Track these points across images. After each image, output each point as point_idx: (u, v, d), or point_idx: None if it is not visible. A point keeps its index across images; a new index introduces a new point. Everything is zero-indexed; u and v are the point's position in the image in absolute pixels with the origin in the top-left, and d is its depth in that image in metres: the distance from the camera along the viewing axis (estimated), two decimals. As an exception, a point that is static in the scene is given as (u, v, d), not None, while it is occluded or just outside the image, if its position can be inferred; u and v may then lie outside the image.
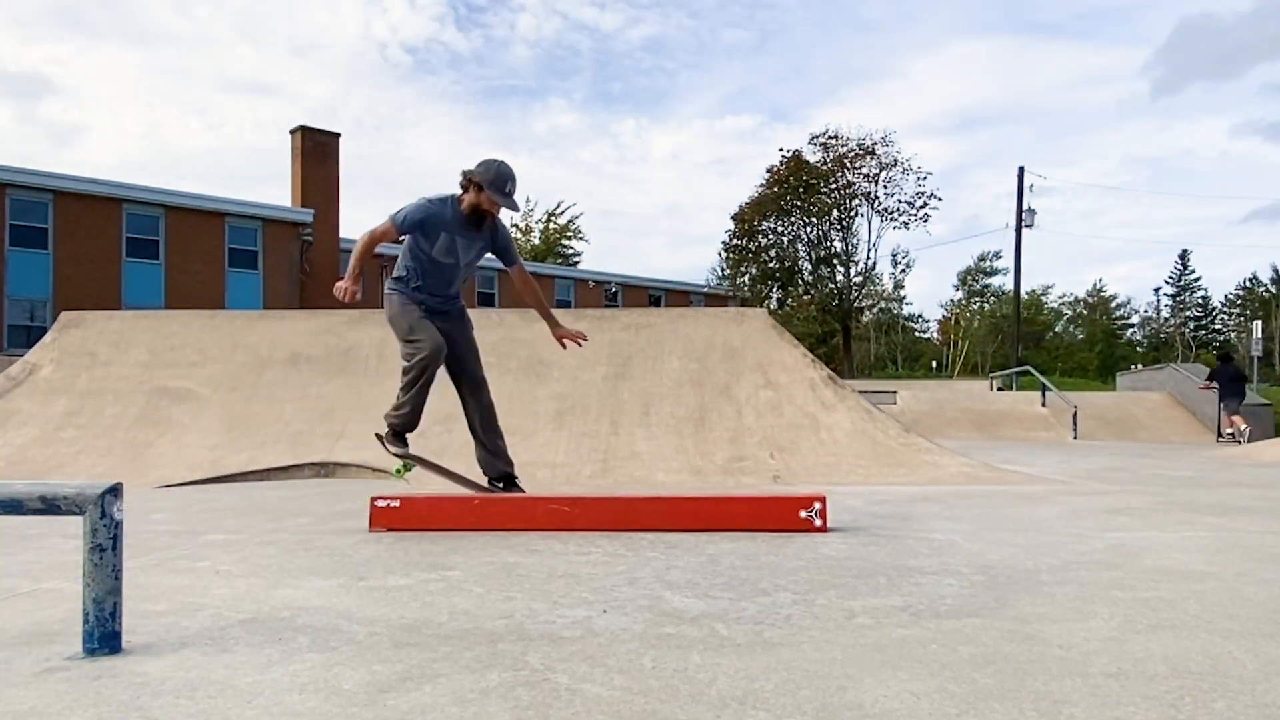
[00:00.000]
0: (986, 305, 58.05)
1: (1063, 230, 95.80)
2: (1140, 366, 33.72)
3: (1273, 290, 59.02)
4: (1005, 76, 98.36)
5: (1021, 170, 30.70)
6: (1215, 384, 15.92)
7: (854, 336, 40.57)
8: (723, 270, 43.45)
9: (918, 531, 3.96)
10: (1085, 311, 64.49)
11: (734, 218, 39.54)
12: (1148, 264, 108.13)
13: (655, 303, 41.86)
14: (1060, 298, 64.57)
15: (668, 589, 2.75)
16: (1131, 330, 65.21)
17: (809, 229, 38.60)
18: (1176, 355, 53.74)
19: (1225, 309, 64.54)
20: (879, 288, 44.91)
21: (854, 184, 36.21)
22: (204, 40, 79.21)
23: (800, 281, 39.23)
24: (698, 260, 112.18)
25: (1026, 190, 30.55)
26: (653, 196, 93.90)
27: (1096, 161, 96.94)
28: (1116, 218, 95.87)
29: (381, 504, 4.08)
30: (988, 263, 57.94)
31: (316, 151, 31.48)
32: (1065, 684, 1.80)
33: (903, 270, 43.85)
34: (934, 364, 54.30)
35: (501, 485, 4.59)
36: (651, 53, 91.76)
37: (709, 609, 2.49)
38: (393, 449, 4.44)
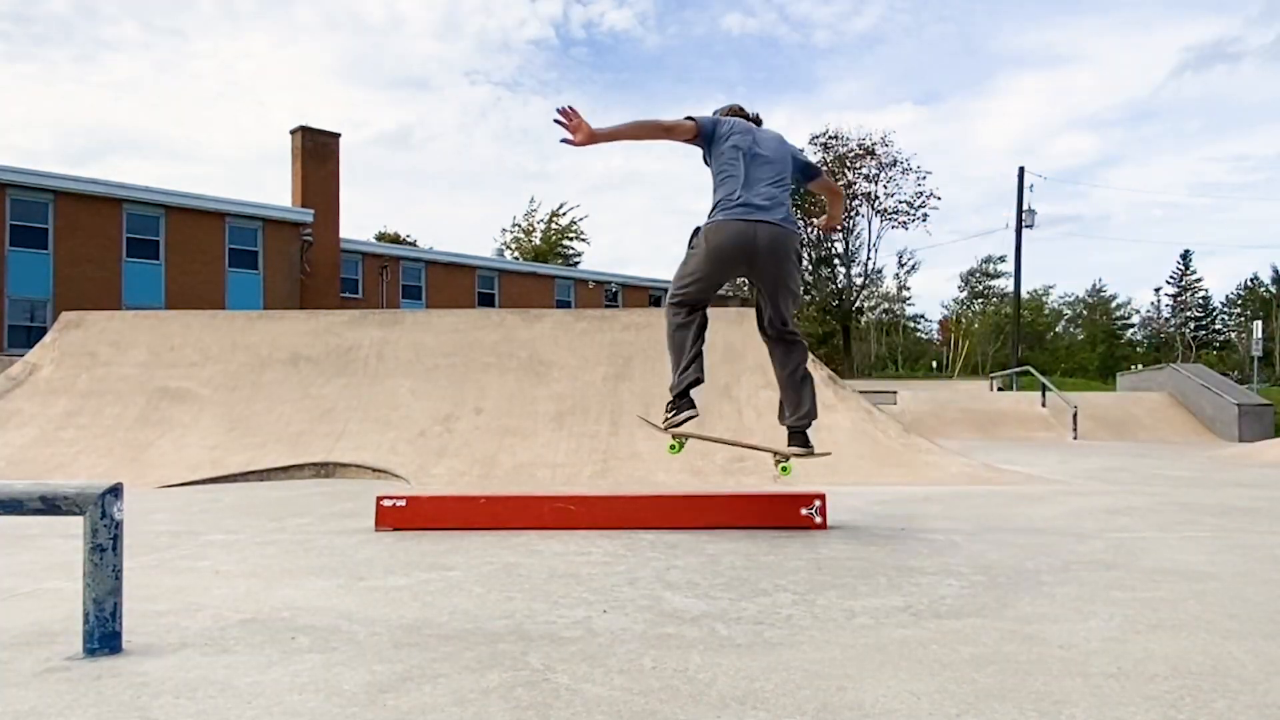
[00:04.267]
0: (990, 307, 58.09)
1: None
2: (1140, 367, 33.72)
3: (1273, 290, 58.97)
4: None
5: (1021, 170, 30.72)
6: None
7: (854, 337, 40.59)
8: (722, 271, 43.32)
9: (918, 531, 3.96)
10: (1085, 312, 64.50)
11: (733, 218, 39.37)
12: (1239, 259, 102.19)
13: (655, 303, 41.84)
14: (1061, 298, 64.68)
15: (668, 589, 2.75)
16: (1132, 330, 65.23)
17: (809, 229, 38.61)
18: (1177, 355, 53.70)
19: (1225, 309, 64.50)
20: (881, 288, 44.91)
21: (854, 184, 36.22)
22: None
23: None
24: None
25: (1027, 190, 30.55)
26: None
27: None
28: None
29: (387, 504, 4.08)
30: (991, 264, 58.14)
31: (317, 151, 31.48)
32: (1065, 684, 1.80)
33: (908, 271, 43.85)
34: (934, 364, 54.28)
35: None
36: (856, 46, 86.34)
37: (709, 609, 2.48)
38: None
